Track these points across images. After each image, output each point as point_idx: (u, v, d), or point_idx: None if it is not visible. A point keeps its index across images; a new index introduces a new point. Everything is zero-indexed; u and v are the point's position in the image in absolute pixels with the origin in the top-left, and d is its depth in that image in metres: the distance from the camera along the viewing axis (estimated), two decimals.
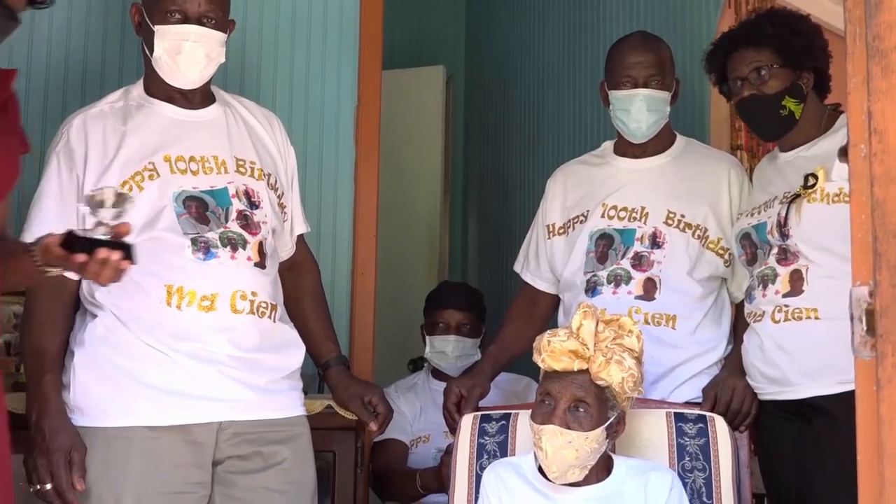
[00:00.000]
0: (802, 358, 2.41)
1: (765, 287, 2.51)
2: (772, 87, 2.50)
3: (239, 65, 3.24)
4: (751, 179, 2.80)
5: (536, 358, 2.11)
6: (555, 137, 4.40)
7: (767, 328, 2.48)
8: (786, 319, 2.44)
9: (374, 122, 3.42)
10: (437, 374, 3.37)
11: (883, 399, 0.98)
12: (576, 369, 2.06)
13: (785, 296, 2.45)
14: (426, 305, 3.48)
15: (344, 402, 2.69)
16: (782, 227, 2.47)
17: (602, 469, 2.10)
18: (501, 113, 5.16)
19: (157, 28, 2.34)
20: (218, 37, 2.39)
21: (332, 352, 2.68)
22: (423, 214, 5.17)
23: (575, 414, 2.06)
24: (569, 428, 2.04)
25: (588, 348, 2.06)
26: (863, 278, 1.04)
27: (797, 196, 2.47)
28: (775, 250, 2.50)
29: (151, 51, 2.38)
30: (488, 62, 5.41)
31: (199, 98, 2.48)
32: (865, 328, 1.03)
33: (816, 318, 2.40)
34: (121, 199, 1.88)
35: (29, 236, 2.32)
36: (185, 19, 2.34)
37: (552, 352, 2.07)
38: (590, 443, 2.04)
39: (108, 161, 2.37)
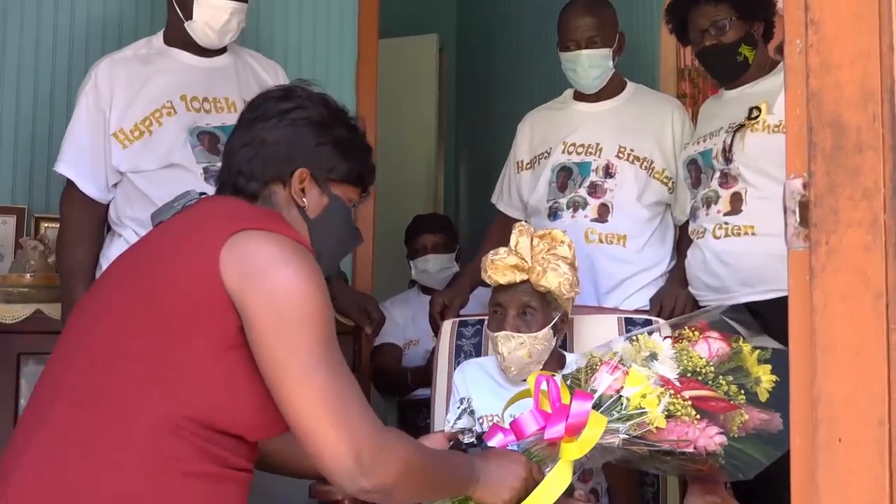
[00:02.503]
0: (740, 269, 2.25)
1: (707, 207, 2.33)
2: (730, 37, 2.31)
3: (255, 26, 3.02)
4: (692, 120, 2.61)
5: (484, 276, 1.92)
6: (529, 93, 4.19)
7: (709, 243, 2.31)
8: (726, 235, 2.28)
9: (372, 76, 3.23)
10: (426, 289, 3.23)
11: (816, 287, 0.78)
12: (518, 280, 1.87)
13: (726, 215, 2.28)
14: (406, 237, 3.33)
15: (343, 310, 2.56)
16: (727, 152, 2.29)
17: (555, 365, 1.92)
18: (487, 74, 4.92)
19: None
20: (246, 7, 2.23)
21: None
22: (421, 160, 4.98)
23: (523, 319, 1.88)
24: (519, 331, 1.87)
25: (526, 261, 1.88)
26: (797, 171, 0.83)
27: (741, 126, 2.28)
28: (718, 174, 2.32)
29: (186, 13, 2.18)
30: (476, 30, 5.17)
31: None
32: (799, 220, 0.82)
33: (753, 234, 2.23)
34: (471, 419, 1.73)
35: (62, 164, 2.17)
36: None
37: (496, 268, 1.88)
38: (539, 342, 1.87)
39: (131, 100, 2.19)
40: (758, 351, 1.59)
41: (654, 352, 1.55)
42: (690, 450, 1.48)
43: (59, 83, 2.83)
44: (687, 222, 2.46)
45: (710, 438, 1.47)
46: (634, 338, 1.61)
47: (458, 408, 1.67)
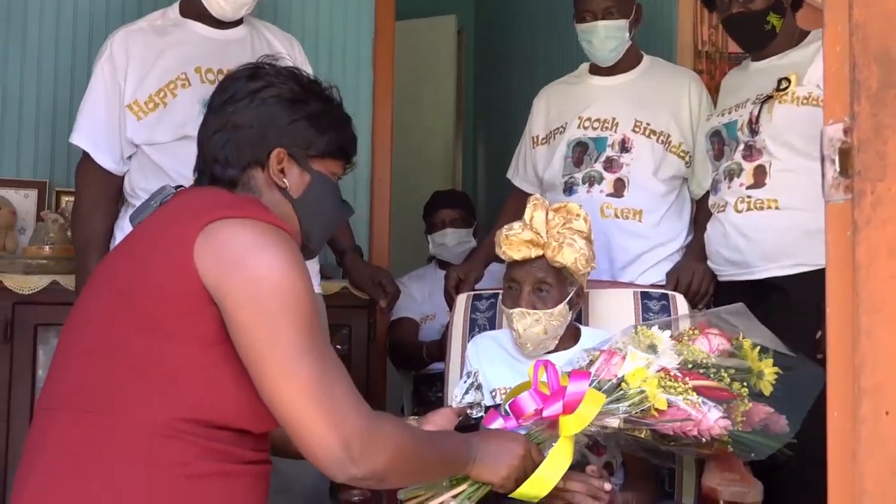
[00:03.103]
0: (762, 243, 2.12)
1: (730, 180, 2.19)
2: (758, 4, 2.15)
3: (273, 3, 2.92)
4: (713, 93, 2.47)
5: (498, 251, 1.81)
6: (547, 73, 4.05)
7: (731, 217, 2.17)
8: (748, 209, 2.14)
9: (389, 54, 3.12)
10: (443, 265, 3.12)
11: (859, 242, 0.67)
12: (533, 256, 1.76)
13: (748, 188, 2.15)
14: (424, 213, 3.23)
15: (358, 283, 2.47)
16: (753, 124, 2.14)
17: (570, 338, 1.82)
18: (505, 54, 4.79)
19: None
20: None
21: (347, 241, 2.43)
22: (439, 139, 4.87)
23: (539, 295, 1.77)
24: (535, 308, 1.76)
25: (541, 236, 1.76)
26: (836, 116, 0.72)
27: (769, 97, 2.13)
28: (741, 147, 2.18)
29: None
30: (494, 11, 5.03)
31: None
32: (839, 169, 0.71)
33: (776, 208, 2.09)
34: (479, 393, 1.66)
35: (78, 136, 2.09)
36: None
37: (510, 244, 1.77)
38: (555, 318, 1.76)
39: (146, 72, 2.10)
40: (758, 347, 1.52)
41: (653, 343, 1.50)
42: (694, 432, 1.41)
43: (80, 57, 2.75)
44: (703, 196, 2.34)
45: (713, 422, 1.41)
46: (634, 330, 1.55)
47: (465, 382, 1.57)
